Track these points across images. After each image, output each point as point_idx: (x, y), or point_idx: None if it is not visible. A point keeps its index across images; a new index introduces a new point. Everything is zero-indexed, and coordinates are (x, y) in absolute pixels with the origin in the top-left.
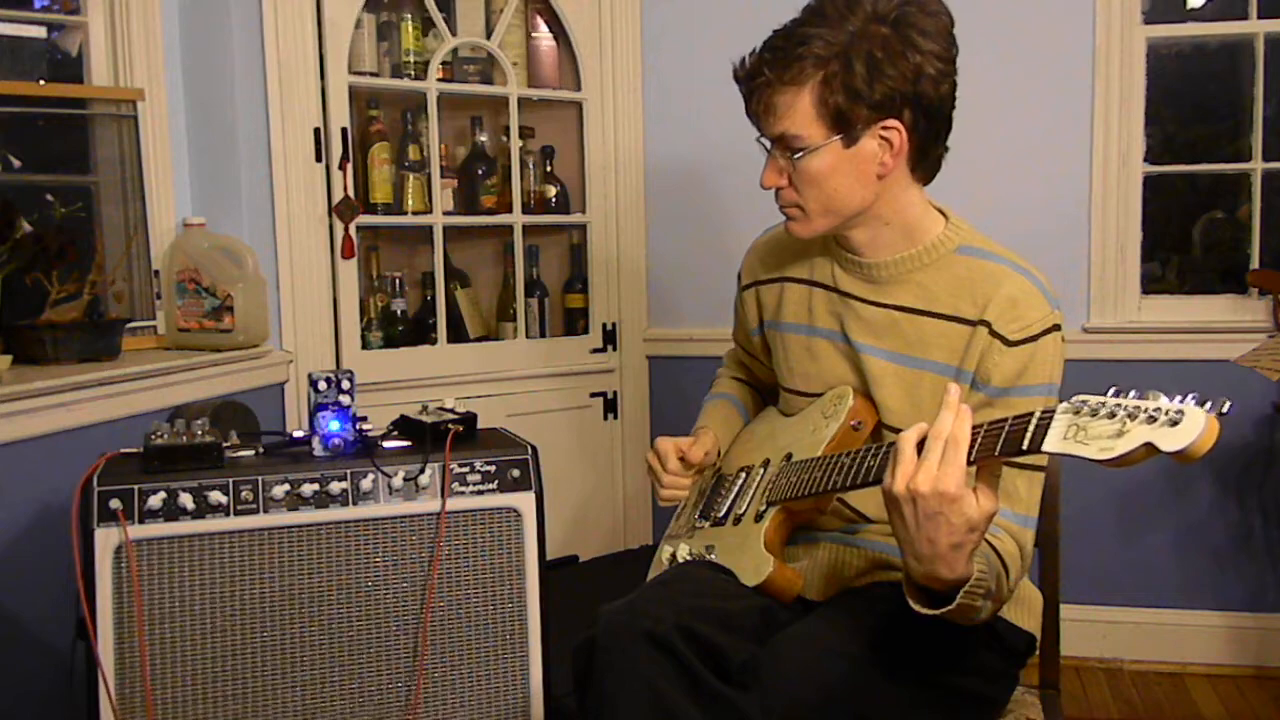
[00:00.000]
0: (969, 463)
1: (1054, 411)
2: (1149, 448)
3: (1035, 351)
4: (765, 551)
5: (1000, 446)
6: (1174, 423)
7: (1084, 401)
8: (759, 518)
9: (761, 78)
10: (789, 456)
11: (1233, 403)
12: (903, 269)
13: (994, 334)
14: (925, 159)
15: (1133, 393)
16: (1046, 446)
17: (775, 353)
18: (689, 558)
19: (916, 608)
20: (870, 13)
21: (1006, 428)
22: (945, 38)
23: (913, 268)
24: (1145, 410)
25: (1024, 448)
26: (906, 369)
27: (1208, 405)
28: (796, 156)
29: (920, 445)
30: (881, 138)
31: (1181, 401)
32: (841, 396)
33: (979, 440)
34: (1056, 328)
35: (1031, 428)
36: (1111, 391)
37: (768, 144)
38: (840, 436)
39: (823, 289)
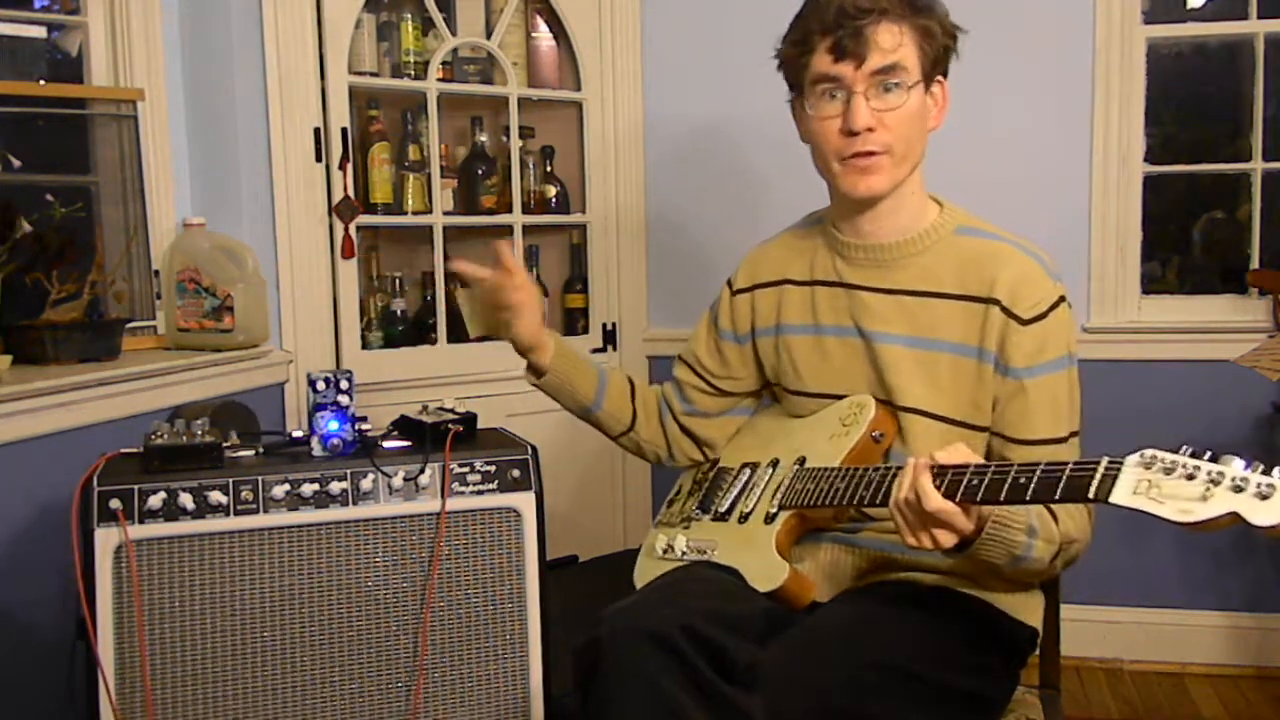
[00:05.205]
0: (1025, 501)
1: (1122, 463)
2: (1234, 516)
3: (1048, 326)
4: (779, 557)
5: (1061, 491)
6: (1264, 496)
7: (1155, 457)
8: (769, 519)
9: (879, 8)
10: (802, 460)
11: None
12: (905, 252)
13: (1007, 313)
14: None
15: (1207, 454)
16: (1115, 498)
17: (780, 358)
18: (686, 550)
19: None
20: None
21: (1067, 473)
22: None
23: (915, 251)
24: (1231, 477)
25: (1090, 496)
26: (922, 351)
27: None
28: (894, 92)
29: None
30: (932, 92)
31: (1268, 475)
32: (863, 406)
33: (1035, 482)
34: (1063, 299)
35: (1098, 477)
36: (1185, 450)
37: (844, 90)
38: (861, 447)
39: (826, 286)
